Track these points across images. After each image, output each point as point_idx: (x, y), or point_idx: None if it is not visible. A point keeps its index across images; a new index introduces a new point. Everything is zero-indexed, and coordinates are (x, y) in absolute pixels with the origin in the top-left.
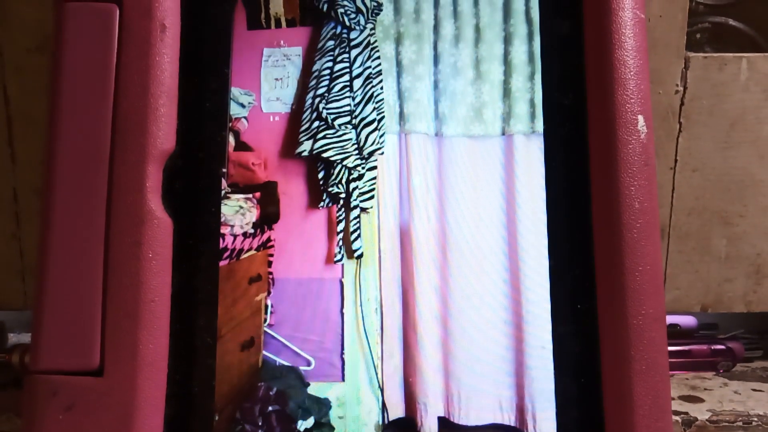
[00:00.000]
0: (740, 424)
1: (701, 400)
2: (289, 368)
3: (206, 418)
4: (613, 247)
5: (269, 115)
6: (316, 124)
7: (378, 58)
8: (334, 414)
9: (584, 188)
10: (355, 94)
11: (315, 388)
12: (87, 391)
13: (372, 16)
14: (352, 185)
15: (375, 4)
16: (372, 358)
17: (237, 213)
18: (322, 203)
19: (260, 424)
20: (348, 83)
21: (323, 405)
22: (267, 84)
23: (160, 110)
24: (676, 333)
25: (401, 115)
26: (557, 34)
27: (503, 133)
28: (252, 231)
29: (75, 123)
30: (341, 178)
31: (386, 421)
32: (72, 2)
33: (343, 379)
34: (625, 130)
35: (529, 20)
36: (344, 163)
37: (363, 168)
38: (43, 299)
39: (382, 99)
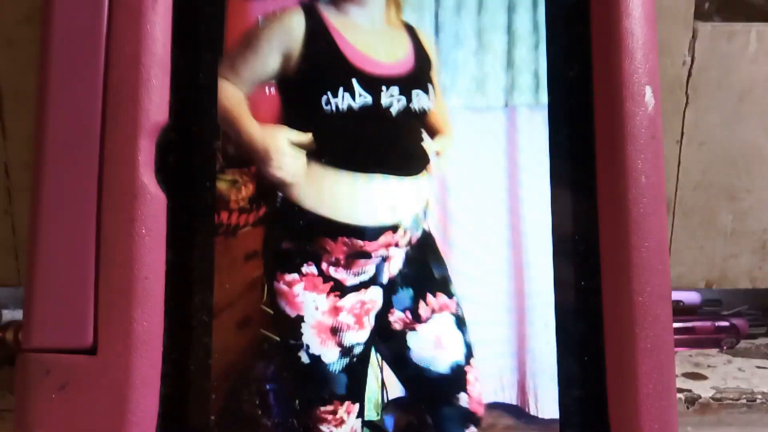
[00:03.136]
0: (744, 401)
1: (705, 378)
2: None
3: (202, 396)
4: (618, 222)
5: (264, 86)
6: None
7: None
8: None
9: (589, 162)
10: None
11: None
12: (80, 369)
13: None
14: None
15: None
16: None
17: (232, 187)
18: None
19: (257, 402)
20: None
21: None
22: None
23: (152, 82)
24: (679, 309)
25: None
26: (562, 2)
27: (506, 105)
28: (248, 206)
29: (65, 96)
30: None
31: (386, 400)
32: None
33: None
34: (633, 102)
35: None
36: None
37: None
38: (34, 276)
39: None
